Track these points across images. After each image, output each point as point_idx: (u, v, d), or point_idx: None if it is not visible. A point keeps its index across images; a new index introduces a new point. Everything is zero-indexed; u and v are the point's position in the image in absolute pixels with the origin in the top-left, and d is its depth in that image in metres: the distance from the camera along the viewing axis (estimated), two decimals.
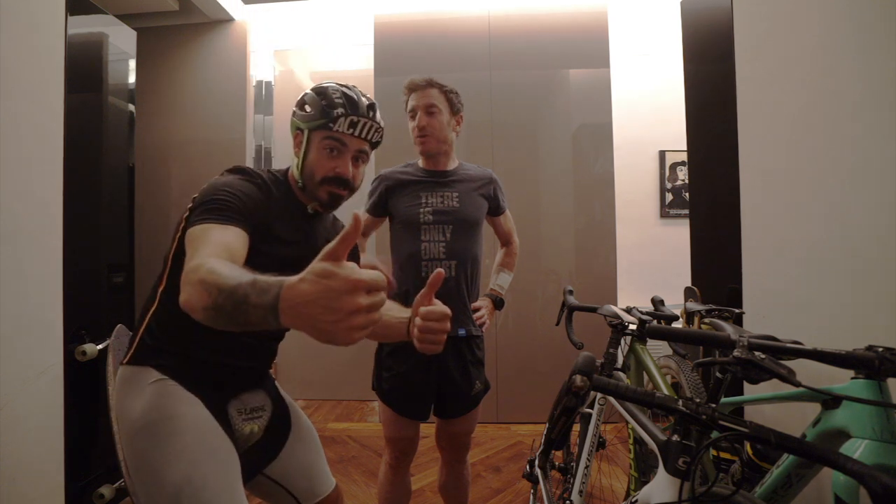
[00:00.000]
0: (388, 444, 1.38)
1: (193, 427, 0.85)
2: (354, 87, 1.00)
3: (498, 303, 1.46)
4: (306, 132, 0.98)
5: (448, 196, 1.35)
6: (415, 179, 1.38)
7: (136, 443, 0.84)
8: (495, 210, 1.48)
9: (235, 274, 0.59)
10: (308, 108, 0.97)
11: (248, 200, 0.87)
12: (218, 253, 0.71)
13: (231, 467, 0.86)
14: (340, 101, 0.95)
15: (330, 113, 0.94)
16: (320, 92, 0.97)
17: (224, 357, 0.94)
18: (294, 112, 1.00)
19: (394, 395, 1.33)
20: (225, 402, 0.94)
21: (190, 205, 0.87)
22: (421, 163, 1.43)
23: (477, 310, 1.38)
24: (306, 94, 1.00)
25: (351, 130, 0.95)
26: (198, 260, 0.67)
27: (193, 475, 0.80)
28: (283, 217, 0.96)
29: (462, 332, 1.33)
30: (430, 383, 1.32)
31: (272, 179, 1.00)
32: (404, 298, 1.35)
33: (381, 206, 1.42)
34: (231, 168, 0.98)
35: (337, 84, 1.00)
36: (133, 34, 2.01)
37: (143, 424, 0.84)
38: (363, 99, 0.98)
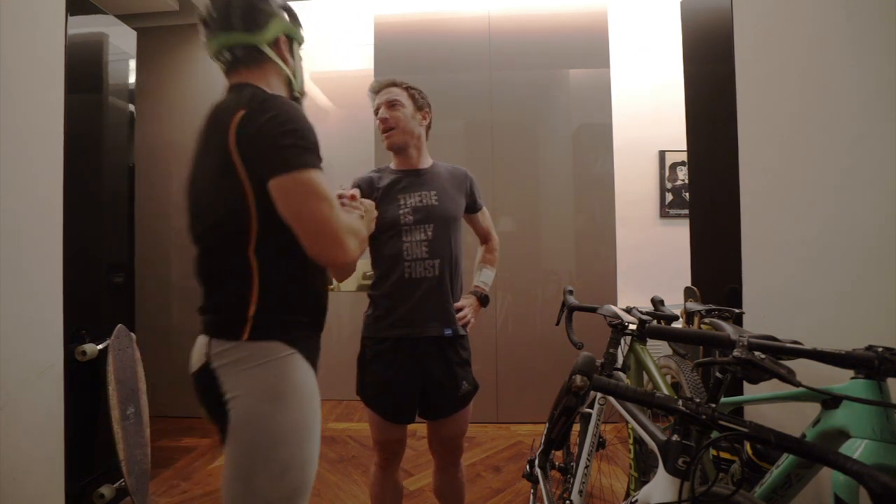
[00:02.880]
0: (377, 446, 1.38)
1: (312, 400, 0.89)
2: None
3: (483, 300, 1.44)
4: (296, 44, 0.98)
5: (426, 195, 1.34)
6: (390, 181, 1.36)
7: (262, 406, 0.83)
8: (472, 207, 1.46)
9: (364, 226, 0.96)
10: (298, 25, 0.98)
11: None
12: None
13: (319, 433, 0.91)
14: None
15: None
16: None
17: (319, 312, 0.96)
18: (273, 14, 0.92)
19: (377, 399, 1.32)
20: (315, 365, 0.94)
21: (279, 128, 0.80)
22: (393, 164, 1.42)
23: (460, 309, 1.36)
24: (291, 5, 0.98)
25: None
26: (345, 218, 0.83)
27: (306, 446, 0.86)
28: None
29: (448, 331, 1.31)
30: (414, 386, 1.30)
31: None
32: (386, 301, 1.32)
33: None
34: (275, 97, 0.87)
35: None
36: (133, 34, 2.01)
37: (273, 393, 0.84)
38: None
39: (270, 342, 0.86)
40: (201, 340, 0.90)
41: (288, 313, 0.89)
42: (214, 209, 0.86)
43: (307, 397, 0.88)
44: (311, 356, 0.92)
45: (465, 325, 1.36)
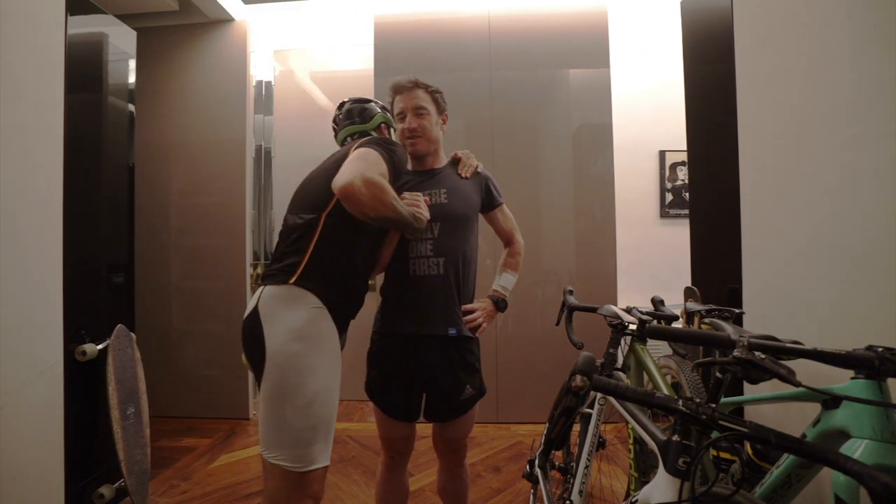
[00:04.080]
0: (383, 443, 1.38)
1: (332, 350, 1.12)
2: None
3: (500, 304, 1.42)
4: (392, 128, 1.44)
5: (436, 193, 1.32)
6: (403, 181, 1.34)
7: (292, 344, 1.05)
8: (490, 204, 1.44)
9: (404, 207, 1.11)
10: (387, 111, 1.43)
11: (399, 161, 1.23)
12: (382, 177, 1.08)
13: (339, 387, 1.14)
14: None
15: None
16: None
17: (353, 295, 1.21)
18: (376, 112, 1.41)
19: (380, 394, 1.32)
20: (341, 334, 1.18)
21: (366, 139, 1.21)
22: (411, 164, 1.42)
23: (470, 311, 1.34)
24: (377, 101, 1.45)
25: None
26: (379, 180, 1.04)
27: (326, 387, 1.07)
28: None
29: (452, 331, 1.28)
30: (415, 383, 1.29)
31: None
32: (391, 297, 1.34)
33: None
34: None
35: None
36: (133, 34, 2.01)
37: (302, 334, 1.06)
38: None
39: (309, 292, 1.09)
40: (256, 292, 1.14)
41: (329, 277, 1.12)
42: (318, 185, 1.18)
43: (329, 346, 1.10)
44: (337, 320, 1.14)
45: (475, 329, 1.33)
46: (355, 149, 1.14)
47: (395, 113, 1.38)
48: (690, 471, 0.66)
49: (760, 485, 0.96)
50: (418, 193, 1.25)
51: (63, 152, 1.43)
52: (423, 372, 1.28)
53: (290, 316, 1.07)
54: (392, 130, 1.42)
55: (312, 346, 1.07)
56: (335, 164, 1.15)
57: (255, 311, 1.10)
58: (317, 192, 1.18)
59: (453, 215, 1.32)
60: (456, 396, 1.30)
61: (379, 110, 1.42)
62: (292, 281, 1.09)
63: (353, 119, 1.39)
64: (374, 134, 1.36)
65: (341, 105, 1.44)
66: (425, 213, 1.21)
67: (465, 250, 1.34)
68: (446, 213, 1.31)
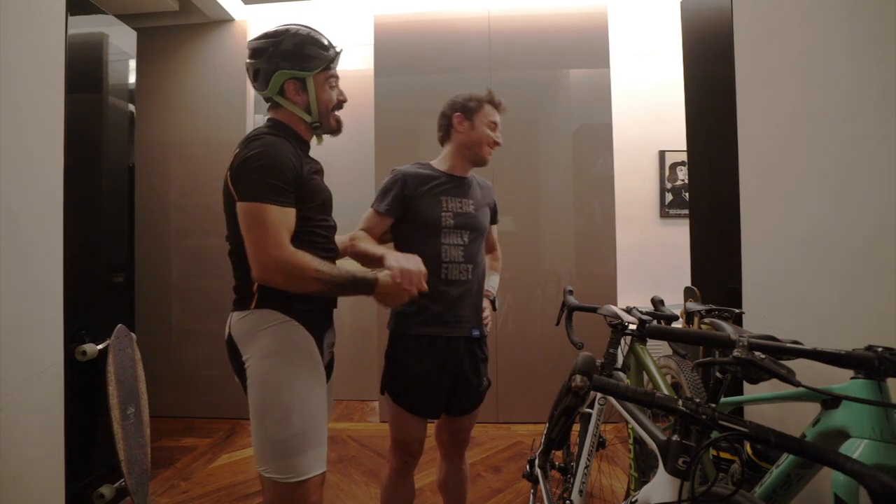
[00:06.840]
0: (398, 447, 1.37)
1: (308, 358, 1.09)
2: (299, 24, 1.15)
3: (494, 303, 1.51)
4: (310, 80, 1.12)
5: (465, 203, 1.39)
6: (437, 181, 1.37)
7: (264, 362, 1.05)
8: (492, 220, 1.54)
9: (335, 271, 1.04)
10: (305, 58, 1.10)
11: (294, 170, 1.04)
12: (288, 239, 0.99)
13: (323, 392, 1.12)
14: (325, 41, 1.15)
15: (328, 55, 1.13)
16: (307, 39, 1.11)
17: (320, 299, 1.13)
18: (277, 64, 1.09)
19: (408, 394, 1.33)
20: (321, 336, 1.14)
21: (239, 162, 1.01)
22: (443, 165, 1.42)
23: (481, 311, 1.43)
24: (293, 42, 1.10)
25: (338, 62, 1.17)
26: (287, 250, 0.98)
27: (304, 396, 1.05)
28: (305, 159, 1.12)
29: (476, 332, 1.38)
30: (445, 382, 1.34)
31: (284, 133, 1.11)
32: (420, 299, 1.25)
33: (400, 204, 1.36)
34: (271, 129, 1.10)
35: (301, 26, 1.14)
36: (133, 34, 2.01)
37: (274, 350, 1.05)
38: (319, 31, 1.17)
39: (271, 311, 1.06)
40: (228, 318, 1.13)
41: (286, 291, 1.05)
42: (228, 216, 1.08)
43: (303, 354, 1.08)
44: (312, 325, 1.10)
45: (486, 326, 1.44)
46: (236, 197, 1.01)
47: (487, 119, 1.41)
48: (690, 471, 0.66)
49: (760, 485, 0.96)
50: (418, 259, 1.13)
51: (63, 152, 1.43)
52: (454, 369, 1.35)
53: (259, 336, 1.06)
54: (309, 82, 1.12)
55: (284, 360, 1.05)
56: (226, 188, 1.05)
57: (230, 336, 1.10)
58: (230, 222, 1.08)
59: (479, 226, 1.41)
60: (478, 388, 1.40)
61: (277, 68, 1.09)
62: (253, 307, 1.07)
63: (256, 86, 1.15)
64: (278, 98, 1.12)
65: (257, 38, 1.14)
66: (409, 281, 1.08)
67: (483, 258, 1.46)
68: (474, 224, 1.40)
